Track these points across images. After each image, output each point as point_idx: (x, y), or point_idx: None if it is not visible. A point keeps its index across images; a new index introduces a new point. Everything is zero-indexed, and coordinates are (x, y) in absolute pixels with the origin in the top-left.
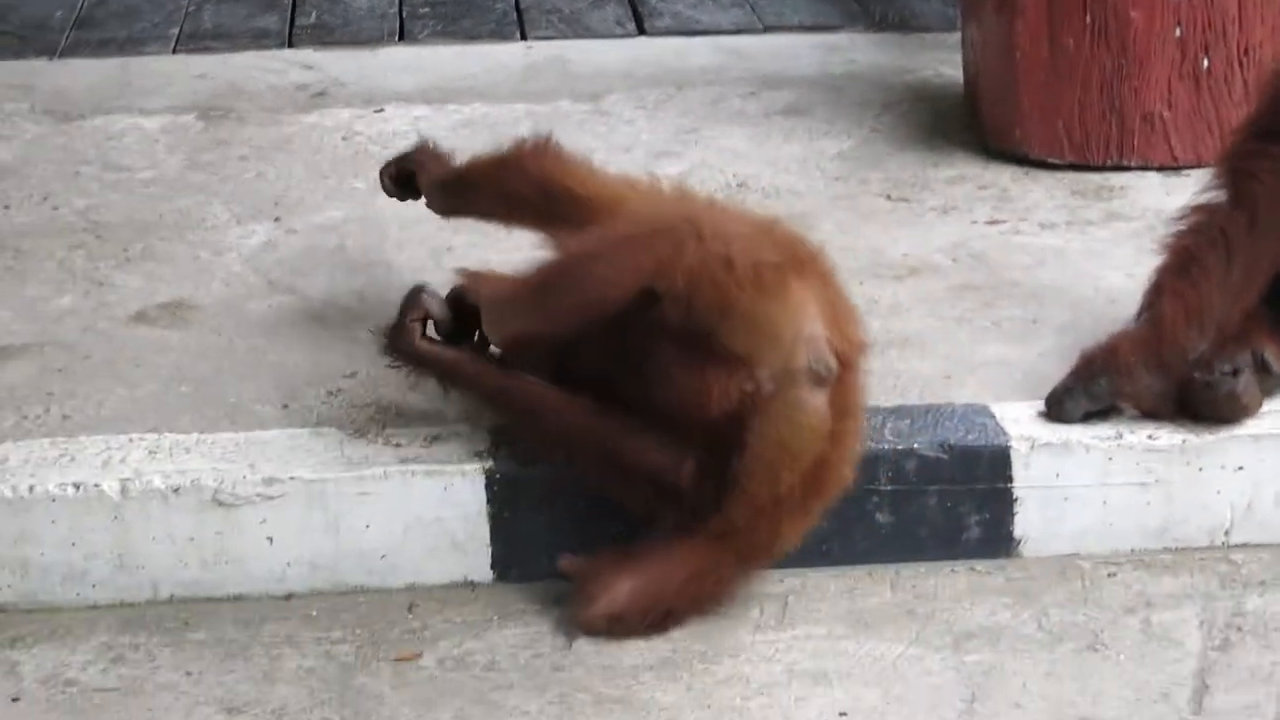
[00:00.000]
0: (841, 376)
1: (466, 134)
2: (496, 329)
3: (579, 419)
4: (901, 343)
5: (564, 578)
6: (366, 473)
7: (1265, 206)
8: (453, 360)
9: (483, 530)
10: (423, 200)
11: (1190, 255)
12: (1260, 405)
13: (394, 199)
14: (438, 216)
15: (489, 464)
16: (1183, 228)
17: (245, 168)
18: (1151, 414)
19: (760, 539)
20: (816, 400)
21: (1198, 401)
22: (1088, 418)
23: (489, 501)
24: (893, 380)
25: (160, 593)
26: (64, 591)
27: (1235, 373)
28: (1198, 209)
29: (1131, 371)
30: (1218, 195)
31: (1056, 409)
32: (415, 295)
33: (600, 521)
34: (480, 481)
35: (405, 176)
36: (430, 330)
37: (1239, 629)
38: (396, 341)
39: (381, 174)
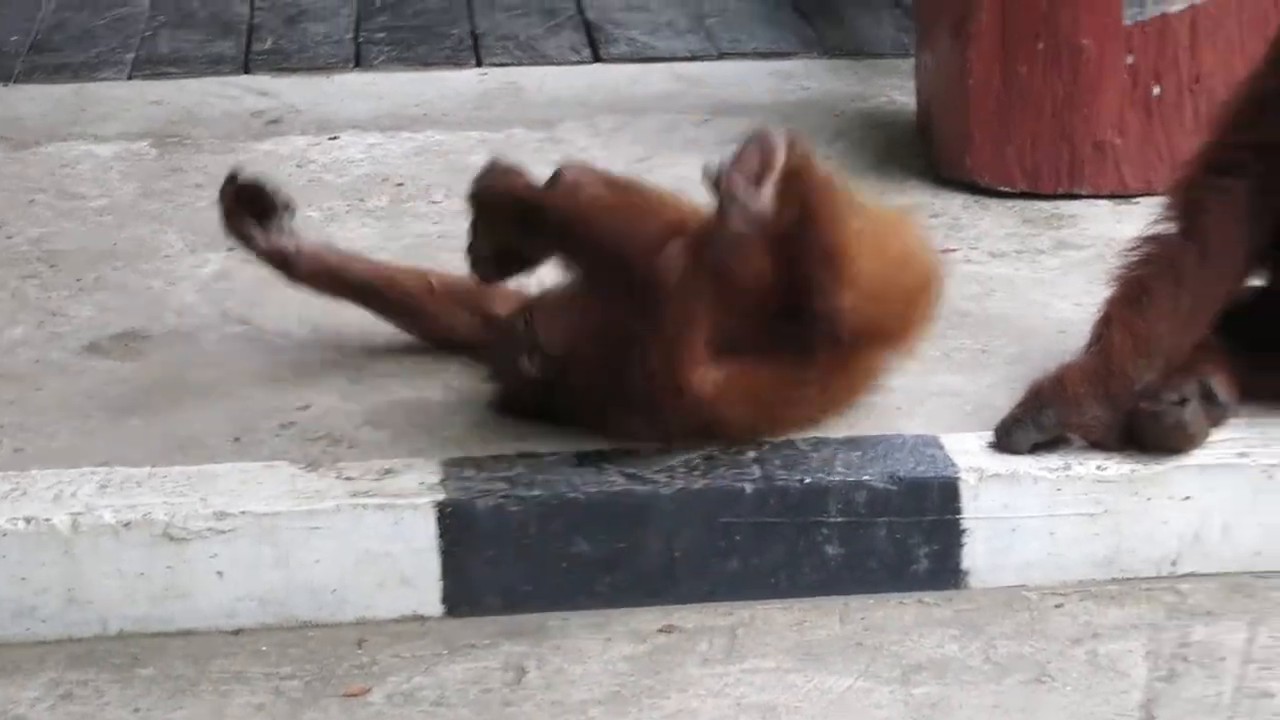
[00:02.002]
0: None
1: (419, 161)
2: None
3: None
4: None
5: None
6: (317, 507)
7: (1216, 238)
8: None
9: (433, 564)
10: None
11: (1140, 286)
12: (1207, 435)
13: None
14: (391, 248)
15: (440, 497)
16: (1133, 259)
17: (200, 196)
18: (1099, 445)
19: None
20: None
21: (1145, 432)
22: (1036, 449)
23: (440, 535)
24: (846, 411)
25: (109, 628)
26: (13, 627)
27: (1182, 402)
28: (1148, 240)
29: (1080, 402)
30: (1168, 226)
31: (1005, 440)
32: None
33: (552, 555)
34: (432, 515)
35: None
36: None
37: (1185, 659)
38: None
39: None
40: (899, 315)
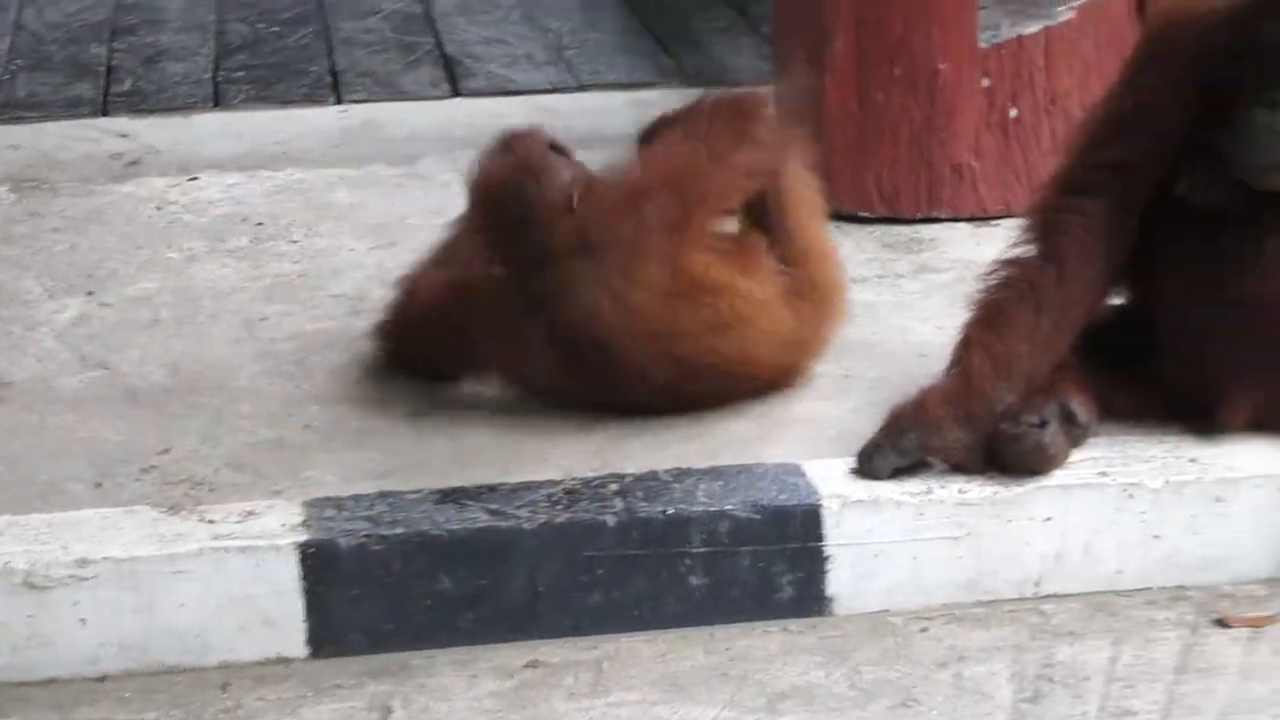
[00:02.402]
0: None
1: (279, 200)
2: None
3: None
4: (714, 403)
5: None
6: (179, 551)
7: (1073, 260)
8: None
9: (297, 606)
10: None
11: (999, 309)
12: (1068, 456)
13: None
14: (251, 288)
15: (302, 538)
16: (992, 282)
17: (58, 240)
18: (961, 468)
19: None
20: None
21: (1006, 454)
22: (898, 473)
23: (303, 576)
24: (708, 440)
25: None
26: None
27: (1042, 424)
28: (1007, 263)
29: (940, 426)
30: (1027, 249)
31: (866, 466)
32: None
33: (416, 593)
34: (294, 556)
35: None
36: None
37: (1050, 680)
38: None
39: None
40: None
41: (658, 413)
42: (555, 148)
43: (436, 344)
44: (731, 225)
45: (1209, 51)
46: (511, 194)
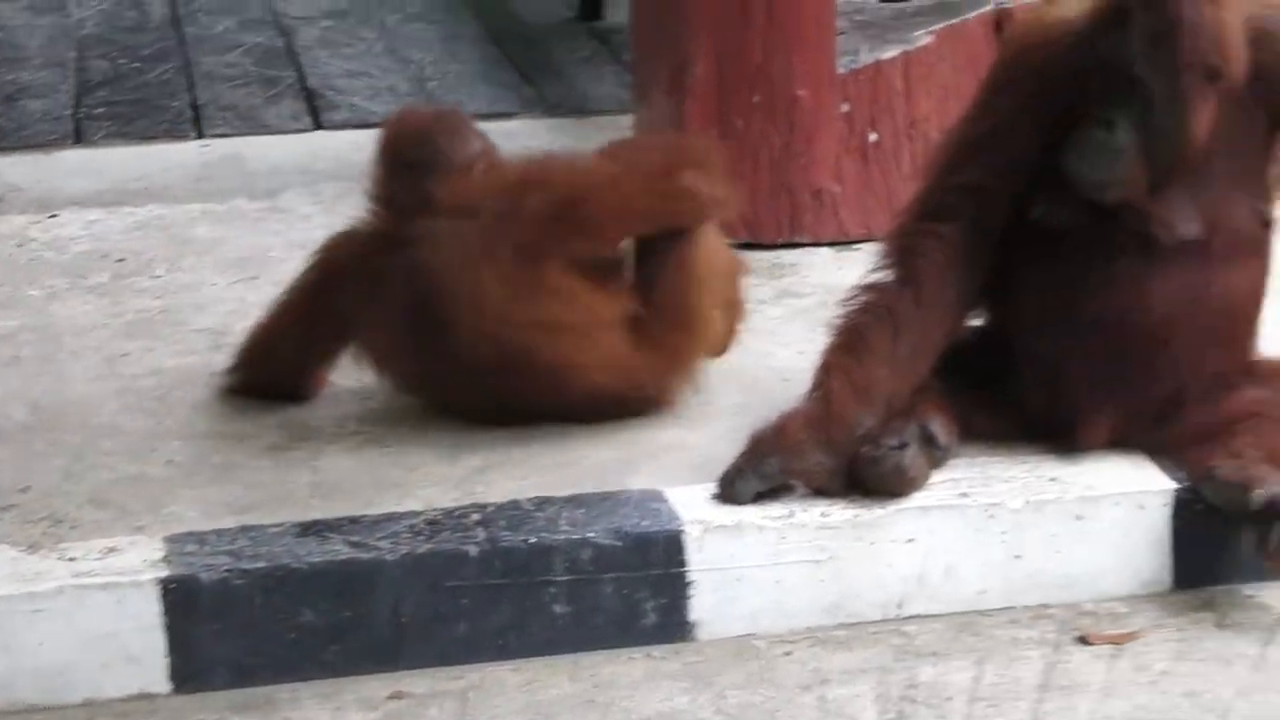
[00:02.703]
0: None
1: (140, 236)
2: None
3: None
4: (579, 431)
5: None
6: (39, 589)
7: (931, 283)
8: None
9: (159, 642)
10: None
11: (858, 333)
12: (928, 477)
13: None
14: (113, 324)
15: (164, 573)
16: (852, 307)
17: None
18: (822, 491)
19: None
20: None
21: (866, 476)
22: (760, 498)
23: (165, 612)
24: (570, 469)
25: None
26: None
27: (902, 446)
28: (866, 288)
29: (801, 450)
30: (885, 274)
31: (728, 491)
32: None
33: (279, 626)
34: (155, 592)
35: None
36: None
37: (913, 700)
38: None
39: None
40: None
41: (495, 416)
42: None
43: (293, 340)
44: (618, 252)
45: (1058, 73)
46: (422, 138)
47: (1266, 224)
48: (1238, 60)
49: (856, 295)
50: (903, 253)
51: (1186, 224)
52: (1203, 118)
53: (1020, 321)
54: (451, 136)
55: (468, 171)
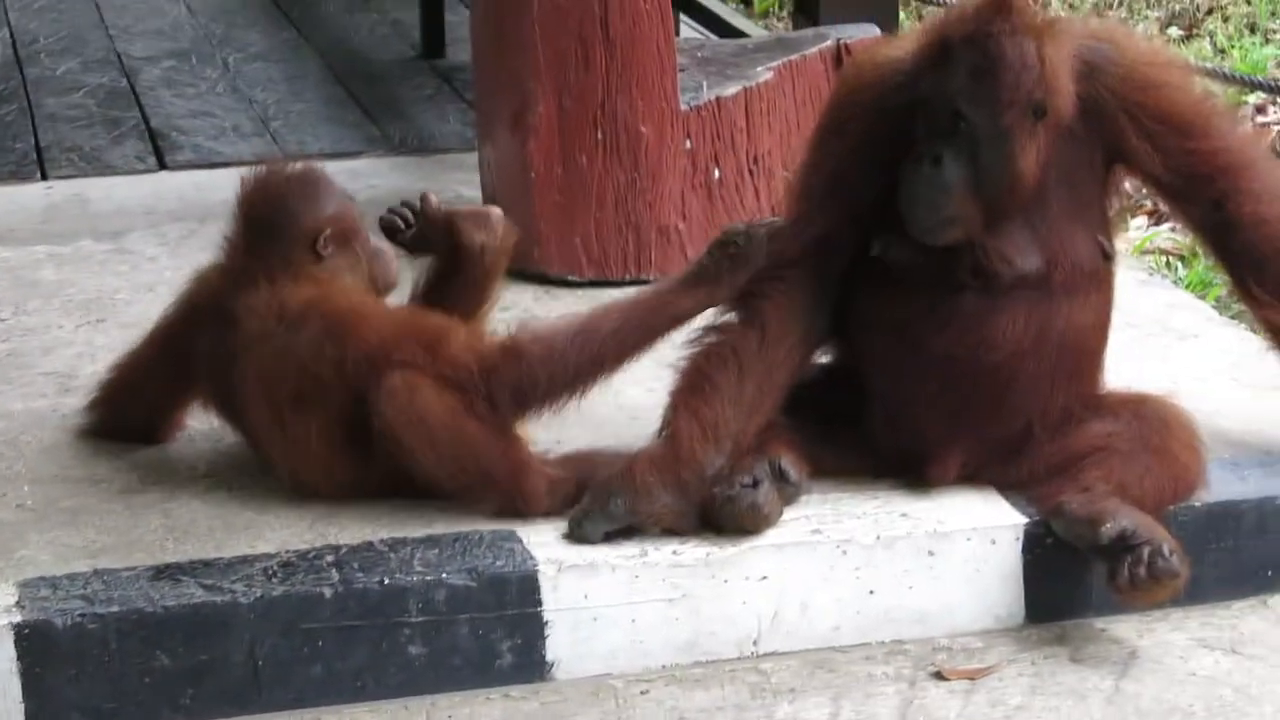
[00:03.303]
0: None
1: None
2: None
3: None
4: None
5: None
6: None
7: (775, 324)
8: None
9: (14, 687)
10: None
11: (703, 374)
12: (781, 514)
13: None
14: None
15: (17, 619)
16: (696, 348)
17: None
18: (674, 531)
19: None
20: None
21: (721, 515)
22: (610, 537)
23: (19, 657)
24: (423, 510)
25: None
26: None
27: (755, 484)
28: (710, 329)
29: (650, 491)
30: (729, 315)
31: (577, 531)
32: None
33: (134, 670)
34: (9, 637)
35: None
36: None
37: None
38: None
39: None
40: None
41: None
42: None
43: (151, 381)
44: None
45: (890, 111)
46: (275, 201)
47: (1108, 257)
48: (1065, 94)
49: (700, 336)
50: (746, 295)
51: (1026, 259)
52: (1030, 153)
53: (868, 358)
54: (305, 200)
55: (313, 238)
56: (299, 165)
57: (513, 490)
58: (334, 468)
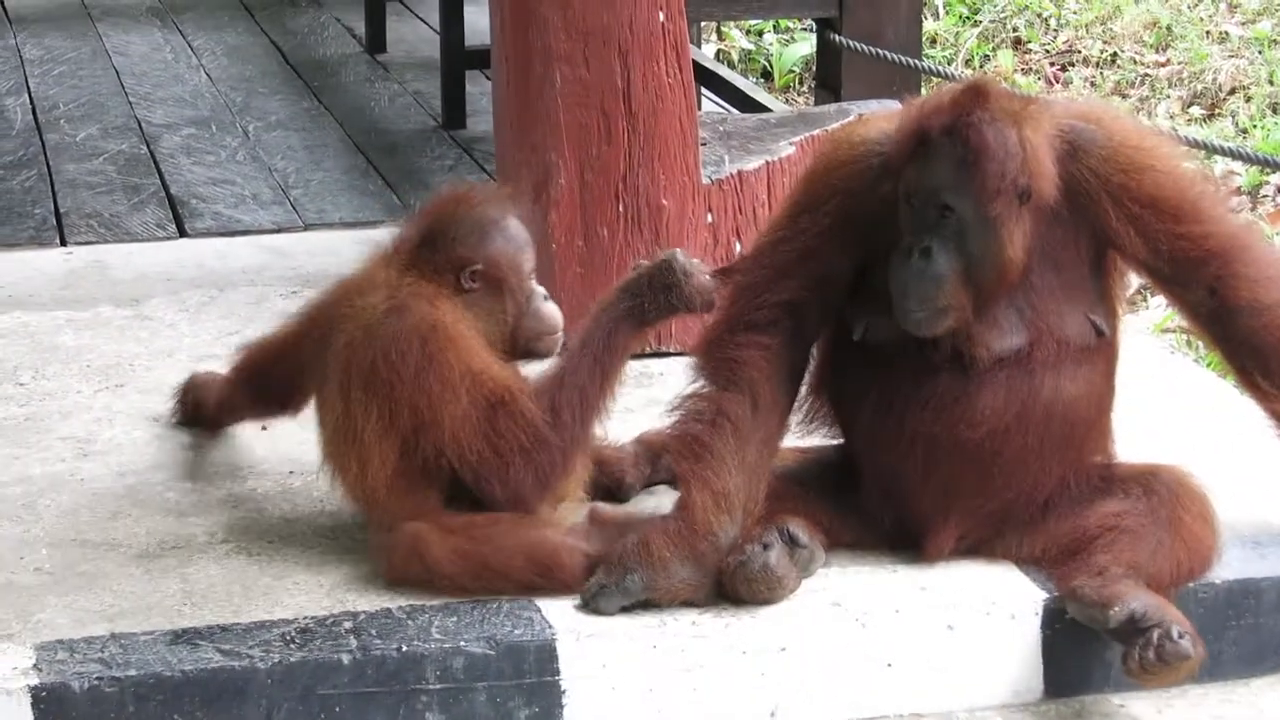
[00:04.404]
0: None
1: (4, 344)
2: None
3: None
4: None
5: None
6: None
7: (765, 392)
8: None
9: None
10: None
11: (703, 444)
12: (797, 582)
13: None
14: None
15: (35, 681)
16: (689, 417)
17: None
18: (690, 604)
19: None
20: None
21: (735, 581)
22: (627, 609)
23: None
24: None
25: None
26: None
27: (766, 547)
28: (694, 398)
29: (667, 566)
30: (712, 385)
31: (593, 605)
32: None
33: None
34: (26, 700)
35: None
36: None
37: None
38: None
39: None
40: None
41: None
42: None
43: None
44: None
45: (863, 194)
46: (449, 216)
47: (1102, 332)
48: (1048, 177)
49: (688, 405)
50: (730, 364)
51: (1007, 340)
52: (1018, 238)
53: (858, 435)
54: (472, 230)
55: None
56: (496, 193)
57: (550, 584)
58: (385, 461)
